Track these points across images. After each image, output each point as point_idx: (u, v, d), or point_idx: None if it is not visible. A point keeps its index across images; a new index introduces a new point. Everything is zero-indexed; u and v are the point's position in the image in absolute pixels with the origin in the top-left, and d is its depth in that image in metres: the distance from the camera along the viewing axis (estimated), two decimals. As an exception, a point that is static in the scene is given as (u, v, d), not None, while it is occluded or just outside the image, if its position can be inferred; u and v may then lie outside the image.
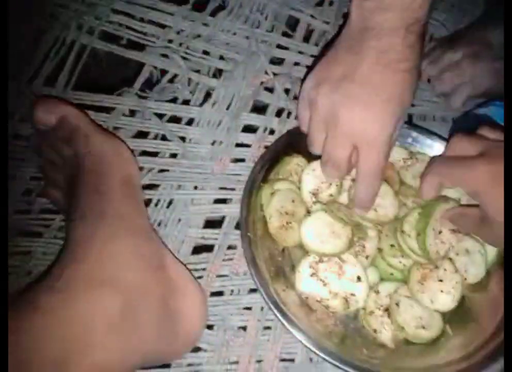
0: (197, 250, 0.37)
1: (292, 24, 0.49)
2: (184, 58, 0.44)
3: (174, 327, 0.28)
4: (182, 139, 0.40)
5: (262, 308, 0.34)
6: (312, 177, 0.36)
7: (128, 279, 0.27)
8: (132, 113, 0.41)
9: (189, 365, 0.31)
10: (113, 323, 0.25)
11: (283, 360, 0.32)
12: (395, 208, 0.35)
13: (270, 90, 0.44)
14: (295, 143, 0.38)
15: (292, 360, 0.32)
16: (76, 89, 0.40)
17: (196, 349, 0.32)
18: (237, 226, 0.37)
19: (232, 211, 0.38)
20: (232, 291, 0.35)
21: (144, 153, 0.39)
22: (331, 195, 0.36)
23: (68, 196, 0.32)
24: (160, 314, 0.28)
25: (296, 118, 0.43)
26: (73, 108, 0.34)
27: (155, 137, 0.40)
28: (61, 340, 0.23)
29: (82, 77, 0.41)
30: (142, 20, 0.44)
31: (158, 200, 0.38)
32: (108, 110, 0.40)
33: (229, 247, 0.37)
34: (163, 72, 0.43)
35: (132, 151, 0.39)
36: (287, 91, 0.44)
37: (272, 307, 0.31)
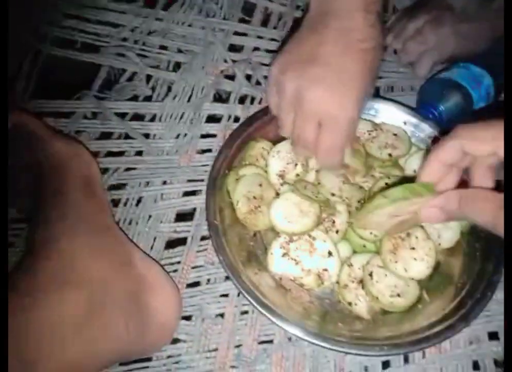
0: (171, 244, 0.38)
1: (249, 9, 0.50)
2: (141, 55, 0.45)
3: (146, 321, 0.30)
4: (146, 135, 0.42)
5: (239, 294, 0.35)
6: (278, 159, 0.37)
7: (92, 278, 0.28)
8: (95, 115, 0.42)
9: (169, 356, 0.32)
10: (80, 321, 0.26)
11: (262, 342, 0.33)
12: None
13: (231, 77, 0.45)
14: (259, 128, 0.39)
15: (271, 341, 0.33)
16: (35, 96, 0.42)
17: (176, 341, 0.33)
18: (209, 216, 0.38)
19: (202, 202, 0.39)
20: (208, 280, 0.36)
21: (110, 154, 0.41)
22: (297, 175, 0.37)
23: (31, 202, 0.33)
24: (129, 310, 0.29)
25: (260, 102, 0.44)
26: (28, 116, 0.35)
27: (119, 137, 0.42)
28: (30, 340, 0.24)
29: (39, 84, 0.42)
30: (94, 22, 0.46)
31: (127, 199, 0.39)
32: (68, 115, 0.41)
33: (203, 238, 0.38)
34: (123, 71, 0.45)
35: (97, 152, 0.40)
36: (248, 77, 0.45)
37: (244, 293, 0.32)
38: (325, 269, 0.33)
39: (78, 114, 0.41)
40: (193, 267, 0.36)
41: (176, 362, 0.32)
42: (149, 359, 0.32)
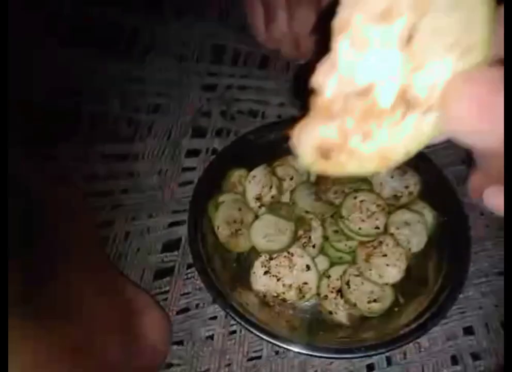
0: (160, 273, 0.41)
1: (219, 50, 0.57)
2: (123, 100, 0.51)
3: (139, 345, 0.33)
4: (131, 174, 0.47)
5: (226, 315, 0.38)
6: (254, 184, 0.42)
7: (87, 309, 0.32)
8: (81, 158, 0.47)
9: (164, 381, 0.35)
10: (79, 348, 0.30)
11: (251, 359, 0.36)
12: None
13: (207, 114, 0.51)
14: (234, 157, 0.45)
15: (259, 357, 0.36)
16: (23, 143, 0.47)
17: (169, 365, 0.36)
18: (194, 244, 0.42)
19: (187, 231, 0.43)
20: (197, 305, 0.39)
21: (97, 194, 0.45)
22: (273, 197, 0.41)
23: (24, 240, 0.37)
24: (123, 337, 0.32)
25: (235, 134, 0.50)
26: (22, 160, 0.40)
27: (105, 177, 0.46)
28: (34, 365, 0.28)
29: (26, 131, 0.48)
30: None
31: (115, 235, 0.43)
32: (56, 158, 0.46)
33: (189, 266, 0.42)
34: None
35: (86, 193, 0.45)
36: (223, 112, 0.51)
37: (231, 314, 0.35)
38: (305, 283, 0.37)
39: (65, 158, 0.46)
40: (182, 294, 0.40)
41: (171, 386, 0.35)
42: (144, 386, 0.35)
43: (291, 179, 0.43)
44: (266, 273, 0.38)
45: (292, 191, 0.42)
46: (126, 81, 0.53)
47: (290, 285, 0.37)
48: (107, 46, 0.55)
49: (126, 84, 0.53)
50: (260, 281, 0.37)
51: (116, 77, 0.53)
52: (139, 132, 0.50)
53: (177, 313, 0.39)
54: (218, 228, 0.40)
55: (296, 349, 0.34)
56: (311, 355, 0.33)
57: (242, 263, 0.40)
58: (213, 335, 0.37)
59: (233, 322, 0.37)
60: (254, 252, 0.40)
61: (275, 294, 0.37)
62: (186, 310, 0.39)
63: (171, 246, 0.43)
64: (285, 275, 0.37)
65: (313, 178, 0.42)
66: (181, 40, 0.57)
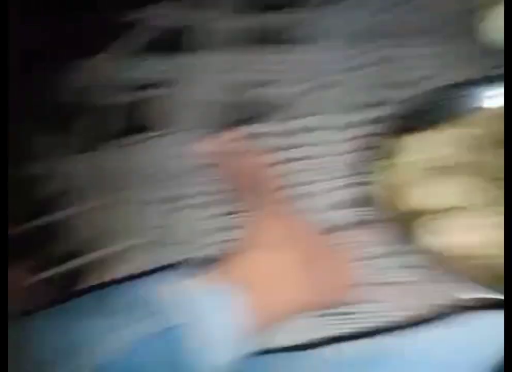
0: (334, 229, 0.46)
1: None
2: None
3: (331, 280, 0.40)
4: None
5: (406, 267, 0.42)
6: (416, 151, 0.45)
7: (298, 244, 0.40)
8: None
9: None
10: (300, 269, 0.38)
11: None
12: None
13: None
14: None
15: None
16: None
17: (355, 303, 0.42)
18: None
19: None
20: (382, 254, 0.43)
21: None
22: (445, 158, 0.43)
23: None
24: (322, 270, 0.40)
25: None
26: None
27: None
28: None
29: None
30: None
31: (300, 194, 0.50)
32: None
33: (365, 222, 0.46)
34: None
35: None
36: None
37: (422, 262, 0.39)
38: (487, 242, 0.38)
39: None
40: (362, 246, 0.44)
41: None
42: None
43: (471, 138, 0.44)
44: (433, 231, 0.40)
45: (475, 150, 0.43)
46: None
47: (472, 243, 0.39)
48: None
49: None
50: (429, 239, 0.40)
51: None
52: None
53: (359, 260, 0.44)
54: (386, 190, 0.43)
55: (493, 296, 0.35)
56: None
57: (415, 222, 0.42)
58: (403, 281, 0.42)
59: (415, 270, 0.41)
60: (421, 210, 0.42)
61: (446, 250, 0.39)
62: (368, 258, 0.44)
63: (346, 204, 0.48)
64: (453, 232, 0.40)
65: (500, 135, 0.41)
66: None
